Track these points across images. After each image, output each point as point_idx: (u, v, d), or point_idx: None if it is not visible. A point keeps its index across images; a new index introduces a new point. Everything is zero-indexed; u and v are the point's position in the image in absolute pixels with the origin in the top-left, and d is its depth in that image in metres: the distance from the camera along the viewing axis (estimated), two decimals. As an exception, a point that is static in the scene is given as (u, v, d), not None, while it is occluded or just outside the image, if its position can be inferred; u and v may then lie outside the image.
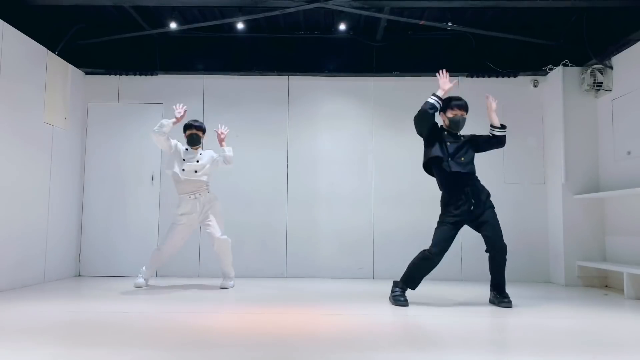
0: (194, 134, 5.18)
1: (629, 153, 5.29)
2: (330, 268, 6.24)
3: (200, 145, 5.28)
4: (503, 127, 4.38)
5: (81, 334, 3.03)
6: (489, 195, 4.35)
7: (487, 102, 4.46)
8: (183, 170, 5.07)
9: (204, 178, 5.13)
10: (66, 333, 3.07)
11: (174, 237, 5.08)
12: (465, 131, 4.42)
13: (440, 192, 4.39)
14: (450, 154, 4.24)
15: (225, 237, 5.13)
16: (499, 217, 5.73)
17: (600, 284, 5.67)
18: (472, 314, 3.84)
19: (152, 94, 6.45)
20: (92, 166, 6.35)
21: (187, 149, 5.21)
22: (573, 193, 5.82)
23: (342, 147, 6.42)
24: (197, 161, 5.13)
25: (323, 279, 6.12)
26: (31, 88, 5.28)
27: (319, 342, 2.87)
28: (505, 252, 4.19)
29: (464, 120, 4.33)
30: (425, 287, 4.91)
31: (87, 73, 6.44)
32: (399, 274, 6.10)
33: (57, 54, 5.88)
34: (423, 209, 6.10)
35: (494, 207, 4.33)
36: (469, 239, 5.50)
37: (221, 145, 5.26)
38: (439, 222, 4.30)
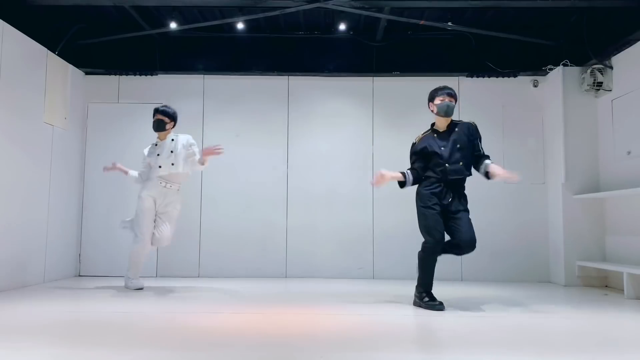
0: (158, 119, 4.99)
1: (629, 153, 5.29)
2: (330, 268, 6.24)
3: (167, 131, 5.03)
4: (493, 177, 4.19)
5: (81, 334, 3.03)
6: (466, 198, 4.21)
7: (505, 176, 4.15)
8: (160, 167, 4.89)
9: (180, 170, 4.90)
10: (66, 333, 3.07)
11: (143, 225, 4.83)
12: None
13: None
14: (446, 155, 4.13)
15: (167, 244, 5.00)
16: (499, 216, 5.67)
17: (600, 284, 5.67)
18: (472, 314, 3.83)
19: (152, 94, 6.44)
20: (92, 166, 6.34)
21: (156, 143, 5.03)
22: (573, 193, 5.82)
23: (342, 147, 6.42)
24: (171, 151, 4.92)
25: (323, 279, 6.12)
26: (31, 88, 5.28)
27: (319, 342, 2.87)
28: (470, 251, 4.08)
29: (451, 106, 4.19)
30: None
31: (87, 73, 6.43)
32: (398, 273, 6.16)
33: (57, 54, 5.88)
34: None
35: (469, 212, 4.16)
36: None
37: (203, 155, 4.90)
38: (421, 208, 4.14)
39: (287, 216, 6.32)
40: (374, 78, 6.48)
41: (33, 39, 5.30)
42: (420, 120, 6.24)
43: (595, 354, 2.66)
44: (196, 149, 4.99)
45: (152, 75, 6.47)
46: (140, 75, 6.47)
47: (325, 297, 4.68)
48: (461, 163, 4.15)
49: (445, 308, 3.97)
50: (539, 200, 6.24)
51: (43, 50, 5.50)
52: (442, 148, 4.17)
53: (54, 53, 5.81)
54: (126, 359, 2.45)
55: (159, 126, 5.00)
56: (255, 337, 2.98)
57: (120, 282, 5.34)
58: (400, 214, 6.27)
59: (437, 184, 4.16)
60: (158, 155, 4.94)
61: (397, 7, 5.75)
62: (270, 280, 5.90)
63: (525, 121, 6.34)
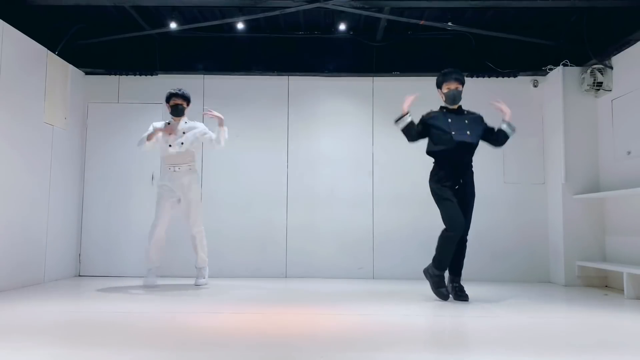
0: (178, 104, 5.12)
1: (629, 153, 5.29)
2: (330, 268, 6.23)
3: (183, 116, 5.19)
4: (513, 130, 4.46)
5: (81, 334, 3.03)
6: (472, 177, 4.45)
7: (499, 106, 4.50)
8: (170, 145, 5.03)
9: (187, 149, 5.05)
10: (66, 333, 3.07)
11: (160, 211, 5.01)
12: None
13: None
14: (454, 128, 4.31)
15: (200, 229, 5.17)
16: (499, 216, 5.79)
17: (600, 284, 5.67)
18: (471, 314, 3.84)
19: (152, 94, 6.44)
20: (92, 166, 6.35)
21: (168, 122, 5.15)
22: (573, 193, 5.82)
23: (342, 147, 6.42)
24: (184, 132, 5.06)
25: (323, 279, 6.12)
26: (31, 88, 5.28)
27: (319, 342, 2.87)
28: (465, 247, 4.40)
29: (459, 92, 4.41)
30: (425, 286, 4.91)
31: (87, 73, 6.43)
32: (398, 273, 6.16)
33: (57, 54, 5.88)
34: (423, 209, 6.08)
35: (474, 195, 4.44)
36: (469, 239, 5.48)
37: (221, 126, 5.08)
38: (439, 199, 4.34)
39: (287, 216, 6.32)
40: (374, 78, 6.48)
41: (33, 39, 5.30)
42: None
43: (595, 354, 2.66)
44: (212, 134, 5.12)
45: (152, 75, 6.47)
46: (140, 75, 6.47)
47: (325, 297, 4.68)
48: (468, 132, 4.30)
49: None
50: (539, 200, 6.24)
51: (43, 50, 5.50)
52: (449, 120, 4.36)
53: (54, 53, 5.81)
54: (126, 359, 2.45)
55: (178, 111, 5.12)
56: (255, 337, 2.98)
57: (120, 282, 5.34)
58: (400, 214, 6.28)
59: (444, 176, 4.31)
60: (170, 134, 5.05)
61: (397, 7, 5.75)
62: (270, 280, 5.90)
63: (525, 121, 6.32)
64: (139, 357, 2.48)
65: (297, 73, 6.48)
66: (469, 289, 4.52)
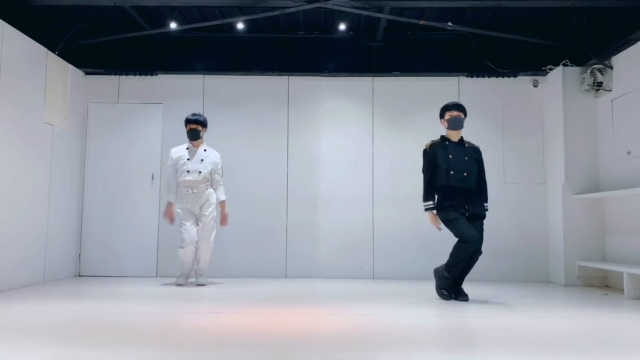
0: (193, 129, 5.31)
1: (629, 153, 5.28)
2: (330, 268, 6.23)
3: (201, 139, 5.40)
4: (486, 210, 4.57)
5: (81, 334, 3.03)
6: (483, 206, 4.50)
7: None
8: (188, 171, 5.22)
9: (204, 177, 5.28)
10: (66, 333, 3.06)
11: (186, 232, 5.19)
12: (468, 134, 4.48)
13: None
14: (452, 164, 4.40)
15: (211, 241, 5.31)
16: (499, 217, 5.84)
17: (600, 284, 5.67)
18: (472, 314, 3.84)
19: (152, 94, 6.45)
20: (92, 166, 6.35)
21: (187, 147, 5.34)
22: (573, 193, 5.82)
23: (342, 147, 6.41)
24: (202, 160, 5.27)
25: (323, 279, 6.12)
26: (31, 88, 5.28)
27: (319, 342, 2.87)
28: (478, 258, 4.40)
29: (461, 119, 4.55)
30: (425, 286, 4.92)
31: (87, 73, 6.43)
32: (399, 273, 6.16)
33: (57, 54, 5.88)
34: (423, 209, 6.09)
35: (484, 218, 4.48)
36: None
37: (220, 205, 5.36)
38: (448, 221, 4.39)
39: (287, 216, 6.32)
40: (374, 78, 6.48)
41: (33, 39, 5.30)
42: (420, 120, 6.27)
43: (595, 354, 2.66)
44: (221, 171, 5.38)
45: (152, 75, 6.47)
46: (140, 75, 6.47)
47: (325, 297, 4.68)
48: (465, 174, 4.40)
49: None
50: (539, 200, 6.24)
51: (43, 50, 5.50)
52: (450, 156, 4.44)
53: (54, 53, 5.81)
54: (126, 359, 2.45)
55: (194, 135, 5.33)
56: (255, 337, 2.98)
57: (120, 282, 5.34)
58: (400, 214, 6.28)
59: (447, 206, 4.39)
60: (188, 159, 5.25)
61: (397, 7, 5.75)
62: (270, 280, 5.90)
63: (525, 121, 6.34)
64: (139, 357, 2.48)
65: (297, 73, 6.48)
66: (469, 289, 4.52)
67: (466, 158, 4.46)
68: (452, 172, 4.37)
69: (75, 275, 6.18)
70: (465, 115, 4.58)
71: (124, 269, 6.17)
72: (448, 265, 4.39)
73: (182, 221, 5.25)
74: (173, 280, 5.64)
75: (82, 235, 6.27)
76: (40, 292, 4.78)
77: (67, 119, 6.00)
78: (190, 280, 5.42)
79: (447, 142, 4.54)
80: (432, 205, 4.49)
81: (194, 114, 5.40)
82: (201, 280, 5.37)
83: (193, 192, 5.22)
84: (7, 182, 4.86)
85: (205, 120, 5.44)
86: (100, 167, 6.36)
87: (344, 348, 2.72)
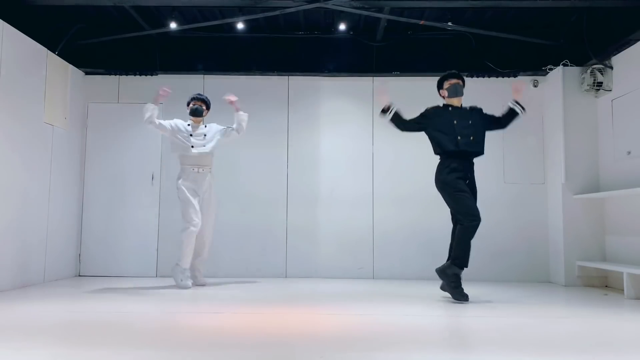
0: (198, 105, 5.32)
1: (629, 153, 5.28)
2: (330, 268, 6.23)
3: (202, 119, 5.38)
4: (523, 109, 4.58)
5: (81, 334, 3.03)
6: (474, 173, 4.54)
7: (515, 86, 4.66)
8: (192, 147, 5.18)
9: (212, 151, 5.26)
10: (66, 333, 3.07)
11: (191, 213, 4.99)
12: None
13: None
14: (458, 131, 4.39)
15: (212, 232, 5.31)
16: (499, 216, 5.87)
17: (600, 284, 5.66)
18: (471, 314, 3.84)
19: (152, 94, 6.37)
20: (92, 166, 6.35)
21: (189, 124, 5.32)
22: (573, 193, 5.82)
23: (342, 147, 6.41)
24: (204, 135, 5.26)
25: (323, 279, 6.12)
26: (31, 88, 5.28)
27: (319, 342, 2.87)
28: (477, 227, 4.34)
29: (460, 86, 4.56)
30: (425, 286, 4.92)
31: (87, 73, 6.43)
32: (399, 274, 6.15)
33: (57, 54, 5.88)
34: (423, 209, 6.11)
35: (477, 191, 4.52)
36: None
37: (237, 111, 5.36)
38: (453, 191, 4.32)
39: (287, 216, 6.32)
40: (374, 78, 6.48)
41: (33, 39, 5.30)
42: (420, 120, 6.27)
43: (595, 354, 2.66)
44: (230, 127, 5.35)
45: (152, 75, 6.47)
46: (140, 75, 6.47)
47: (325, 297, 4.68)
48: (472, 137, 4.39)
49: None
50: (539, 200, 6.24)
51: (43, 50, 5.50)
52: (455, 122, 4.42)
53: (54, 53, 5.81)
54: (126, 359, 2.45)
55: (197, 112, 5.31)
56: (255, 337, 2.98)
57: (120, 282, 5.34)
58: (401, 214, 6.28)
59: (456, 168, 4.36)
60: (191, 135, 5.22)
61: (397, 7, 5.75)
62: (270, 280, 5.90)
63: (525, 121, 6.30)
64: (139, 357, 2.48)
65: (297, 73, 6.48)
66: (468, 289, 4.52)
67: (470, 122, 4.47)
68: (459, 138, 4.37)
69: (75, 275, 6.18)
70: (464, 84, 4.59)
71: (124, 269, 6.17)
72: (459, 259, 4.29)
73: (183, 200, 5.04)
74: (172, 280, 5.63)
75: (82, 235, 6.27)
76: (40, 292, 4.78)
77: (67, 119, 6.00)
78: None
79: (450, 108, 4.53)
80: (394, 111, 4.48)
81: (199, 93, 5.45)
82: (201, 280, 5.34)
83: (198, 172, 5.17)
84: (7, 181, 4.85)
85: (210, 102, 5.44)
86: (100, 167, 6.36)
87: (344, 348, 2.72)
